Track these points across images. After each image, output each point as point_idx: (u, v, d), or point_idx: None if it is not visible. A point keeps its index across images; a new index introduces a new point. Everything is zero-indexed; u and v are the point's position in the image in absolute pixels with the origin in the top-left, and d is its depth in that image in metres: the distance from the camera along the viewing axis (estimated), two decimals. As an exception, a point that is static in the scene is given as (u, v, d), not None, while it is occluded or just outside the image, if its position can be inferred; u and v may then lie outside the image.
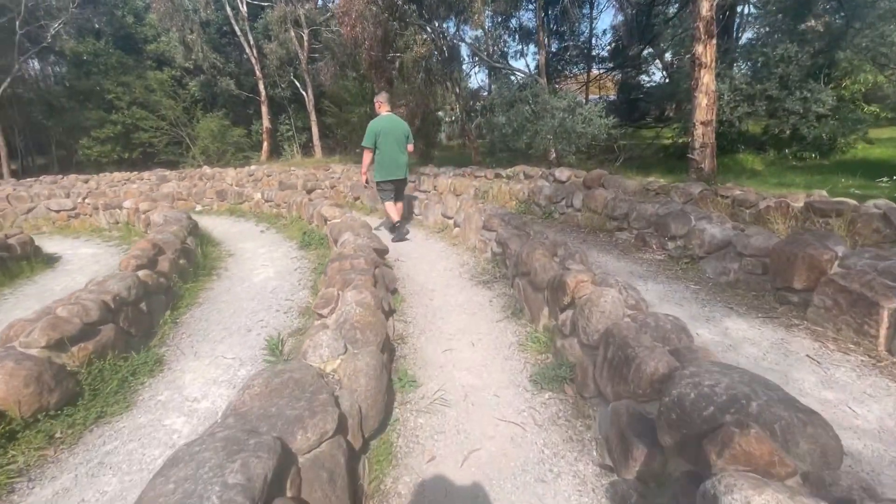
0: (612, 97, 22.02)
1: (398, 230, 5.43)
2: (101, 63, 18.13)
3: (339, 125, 21.62)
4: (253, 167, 14.20)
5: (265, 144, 21.31)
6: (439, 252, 5.01)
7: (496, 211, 4.94)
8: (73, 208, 7.32)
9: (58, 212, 7.35)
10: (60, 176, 14.60)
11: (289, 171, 13.55)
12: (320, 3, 20.92)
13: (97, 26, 18.40)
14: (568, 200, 6.10)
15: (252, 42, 19.54)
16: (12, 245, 4.97)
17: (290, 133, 22.72)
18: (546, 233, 3.97)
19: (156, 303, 3.21)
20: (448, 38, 13.74)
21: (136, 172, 13.65)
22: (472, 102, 15.74)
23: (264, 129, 21.15)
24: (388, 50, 12.66)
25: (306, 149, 22.37)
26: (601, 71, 20.62)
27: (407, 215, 6.45)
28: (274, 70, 20.17)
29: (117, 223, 6.92)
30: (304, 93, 20.55)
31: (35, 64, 19.23)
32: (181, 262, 4.04)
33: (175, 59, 18.48)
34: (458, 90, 14.45)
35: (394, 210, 5.47)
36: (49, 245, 6.47)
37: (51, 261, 5.63)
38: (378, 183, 5.41)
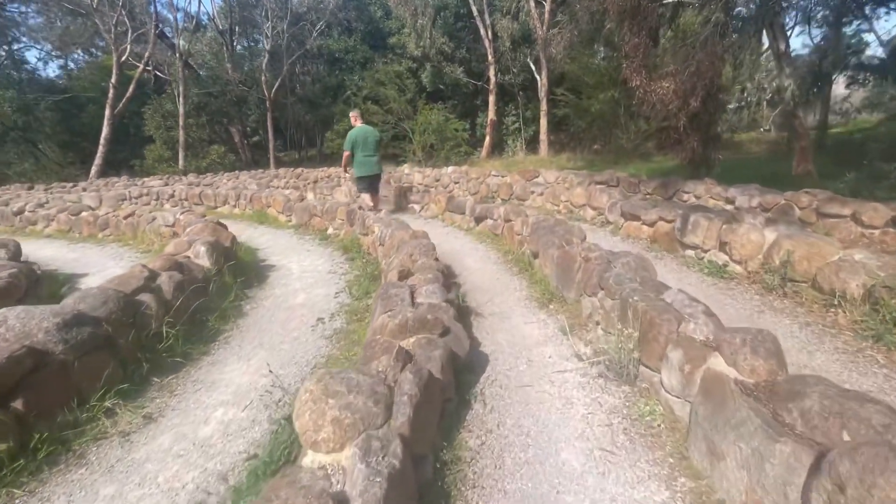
0: None
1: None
2: (349, 59, 18.76)
3: (576, 115, 17.30)
4: (449, 169, 11.47)
5: (487, 139, 18.86)
6: None
7: None
8: (173, 224, 5.66)
9: (165, 226, 5.83)
10: (292, 169, 15.33)
11: (485, 178, 10.20)
12: (578, -33, 16.84)
13: (351, 24, 19.10)
14: None
15: (488, 23, 17.15)
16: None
17: (516, 126, 19.61)
18: None
19: None
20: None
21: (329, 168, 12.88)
22: (807, 69, 8.92)
23: (488, 122, 18.71)
24: (657, -15, 7.65)
25: (533, 144, 18.93)
26: None
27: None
28: (507, 51, 17.23)
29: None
30: (537, 77, 17.02)
31: (299, 65, 21.61)
32: None
33: (408, 49, 17.54)
34: (782, 48, 8.11)
35: (369, 201, 6.47)
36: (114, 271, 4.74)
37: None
38: (357, 178, 6.53)
